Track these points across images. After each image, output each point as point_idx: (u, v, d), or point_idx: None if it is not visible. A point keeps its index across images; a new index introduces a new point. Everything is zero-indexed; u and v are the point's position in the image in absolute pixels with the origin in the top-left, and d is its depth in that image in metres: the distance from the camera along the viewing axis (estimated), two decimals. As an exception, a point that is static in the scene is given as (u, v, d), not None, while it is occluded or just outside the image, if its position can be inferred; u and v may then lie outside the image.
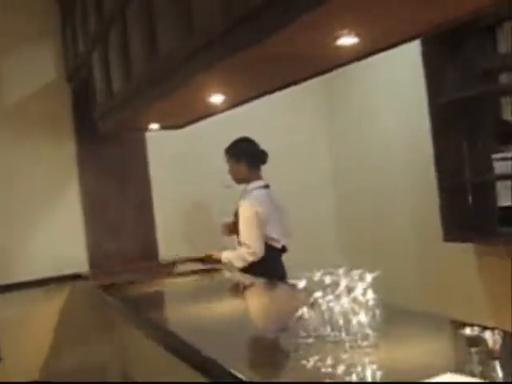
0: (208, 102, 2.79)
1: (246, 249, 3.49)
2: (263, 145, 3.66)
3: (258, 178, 3.70)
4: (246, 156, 3.67)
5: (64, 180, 4.07)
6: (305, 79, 2.63)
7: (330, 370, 1.69)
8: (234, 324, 2.33)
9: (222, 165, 4.20)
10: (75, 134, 4.08)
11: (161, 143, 4.19)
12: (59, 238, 3.99)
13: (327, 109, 4.76)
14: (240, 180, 3.73)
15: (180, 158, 4.29)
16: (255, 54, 2.01)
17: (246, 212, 3.53)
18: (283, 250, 3.62)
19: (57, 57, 4.07)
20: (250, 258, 3.49)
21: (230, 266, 3.56)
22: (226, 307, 2.63)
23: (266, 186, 3.70)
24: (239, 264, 3.52)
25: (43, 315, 3.92)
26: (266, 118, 4.43)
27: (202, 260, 3.85)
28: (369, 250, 4.37)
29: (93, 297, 3.80)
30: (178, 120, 3.42)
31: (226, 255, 3.58)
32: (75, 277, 3.96)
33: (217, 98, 2.71)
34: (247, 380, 1.69)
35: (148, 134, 4.13)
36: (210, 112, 3.17)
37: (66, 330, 3.94)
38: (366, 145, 4.41)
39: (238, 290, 3.17)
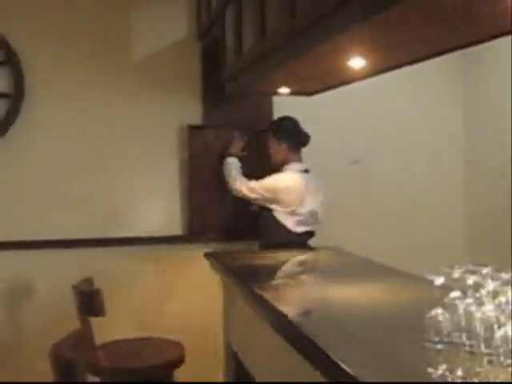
0: (346, 67, 2.54)
1: (249, 186, 3.52)
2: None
3: (298, 160, 3.56)
4: (289, 136, 3.54)
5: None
6: (455, 48, 2.32)
7: (459, 381, 1.46)
8: (354, 314, 2.10)
9: (349, 138, 3.95)
10: (202, 95, 3.96)
11: (286, 111, 3.99)
12: (165, 200, 3.93)
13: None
14: (279, 161, 3.58)
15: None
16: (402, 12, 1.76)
17: (282, 179, 3.49)
18: (305, 235, 3.51)
19: (189, 14, 3.94)
20: (242, 193, 3.56)
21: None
22: (345, 292, 2.40)
23: (306, 171, 3.53)
24: (233, 185, 3.58)
25: (147, 274, 3.87)
26: (395, 95, 4.14)
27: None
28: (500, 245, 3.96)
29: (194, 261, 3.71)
30: (310, 85, 3.20)
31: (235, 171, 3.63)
32: (176, 239, 3.89)
33: (356, 63, 2.46)
34: (364, 381, 1.48)
35: (275, 102, 3.96)
36: (346, 79, 2.92)
37: (169, 292, 3.88)
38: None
39: (359, 273, 2.91)
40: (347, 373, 1.53)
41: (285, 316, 2.07)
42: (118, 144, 3.85)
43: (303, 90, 3.30)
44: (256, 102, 3.96)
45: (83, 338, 2.90)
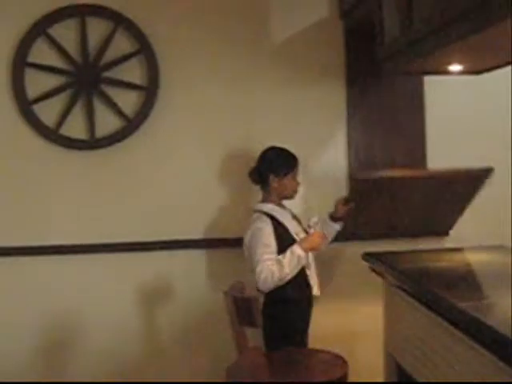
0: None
1: None
2: None
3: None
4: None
5: (331, 129, 3.64)
6: None
7: None
8: None
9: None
10: (346, 79, 3.60)
11: (438, 96, 3.60)
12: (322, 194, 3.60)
13: None
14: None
15: (461, 117, 3.64)
16: None
17: None
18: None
19: (330, -9, 3.61)
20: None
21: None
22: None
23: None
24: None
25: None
26: None
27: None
28: None
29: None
30: (486, 62, 2.78)
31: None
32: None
33: None
34: None
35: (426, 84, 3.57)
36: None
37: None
38: None
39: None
40: None
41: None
42: (257, 134, 3.57)
43: (476, 67, 2.89)
44: (404, 85, 3.59)
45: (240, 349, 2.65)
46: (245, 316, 2.63)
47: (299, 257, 2.85)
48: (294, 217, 3.17)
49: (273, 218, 3.00)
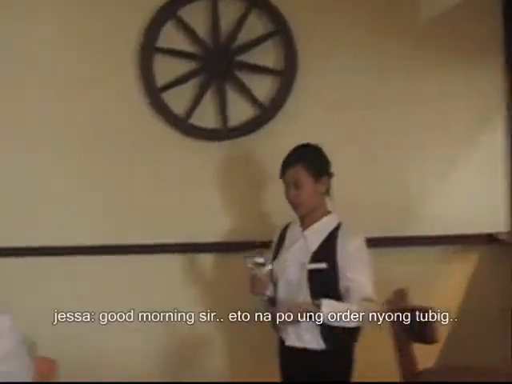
0: None
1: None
2: None
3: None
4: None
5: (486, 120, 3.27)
6: None
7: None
8: None
9: None
10: (505, 60, 3.22)
11: None
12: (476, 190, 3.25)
13: None
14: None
15: None
16: None
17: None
18: None
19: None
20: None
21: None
22: None
23: None
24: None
25: (449, 275, 3.25)
26: None
27: None
28: None
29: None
30: None
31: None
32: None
33: None
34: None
35: None
36: None
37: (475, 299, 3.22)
38: None
39: None
40: None
41: None
42: (404, 121, 3.25)
43: None
44: None
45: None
46: (419, 331, 2.33)
47: None
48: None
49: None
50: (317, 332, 2.42)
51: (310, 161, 2.54)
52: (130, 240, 3.25)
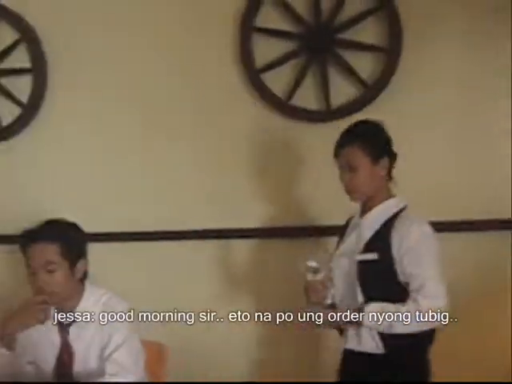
0: None
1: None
2: None
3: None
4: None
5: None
6: None
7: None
8: None
9: None
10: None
11: None
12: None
13: None
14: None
15: None
16: None
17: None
18: None
19: None
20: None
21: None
22: None
23: None
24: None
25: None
26: None
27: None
28: None
29: None
30: None
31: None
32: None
33: None
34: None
35: None
36: None
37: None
38: None
39: None
40: None
41: None
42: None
43: None
44: None
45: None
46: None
47: None
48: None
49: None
50: (376, 334, 2.21)
51: (367, 139, 2.26)
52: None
